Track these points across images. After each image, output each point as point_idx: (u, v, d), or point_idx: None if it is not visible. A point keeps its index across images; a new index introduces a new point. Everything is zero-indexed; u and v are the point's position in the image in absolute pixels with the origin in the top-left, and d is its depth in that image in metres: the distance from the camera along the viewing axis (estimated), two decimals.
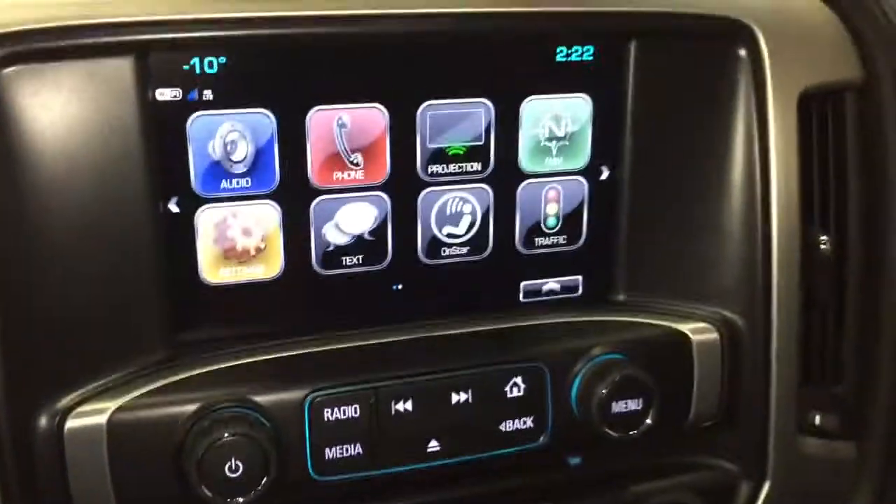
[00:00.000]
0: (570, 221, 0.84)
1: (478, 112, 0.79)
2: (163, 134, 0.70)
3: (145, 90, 0.69)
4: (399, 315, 0.80)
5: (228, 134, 0.73)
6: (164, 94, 0.71)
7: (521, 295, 0.86)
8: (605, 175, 0.84)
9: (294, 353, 0.77)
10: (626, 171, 0.83)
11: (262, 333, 0.77)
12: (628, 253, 0.86)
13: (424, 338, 0.79)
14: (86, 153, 0.68)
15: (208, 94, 0.71)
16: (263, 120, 0.73)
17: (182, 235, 0.73)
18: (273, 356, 0.76)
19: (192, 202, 0.73)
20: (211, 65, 0.70)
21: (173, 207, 0.74)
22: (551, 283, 0.90)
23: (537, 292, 0.86)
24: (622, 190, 0.85)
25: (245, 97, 0.72)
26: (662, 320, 0.83)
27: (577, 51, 0.80)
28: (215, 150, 0.73)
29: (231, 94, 0.71)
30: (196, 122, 0.72)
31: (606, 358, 0.82)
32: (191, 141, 0.72)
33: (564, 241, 0.85)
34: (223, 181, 0.74)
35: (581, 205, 0.84)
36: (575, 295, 0.88)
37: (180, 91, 0.71)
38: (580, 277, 0.88)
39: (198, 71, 0.70)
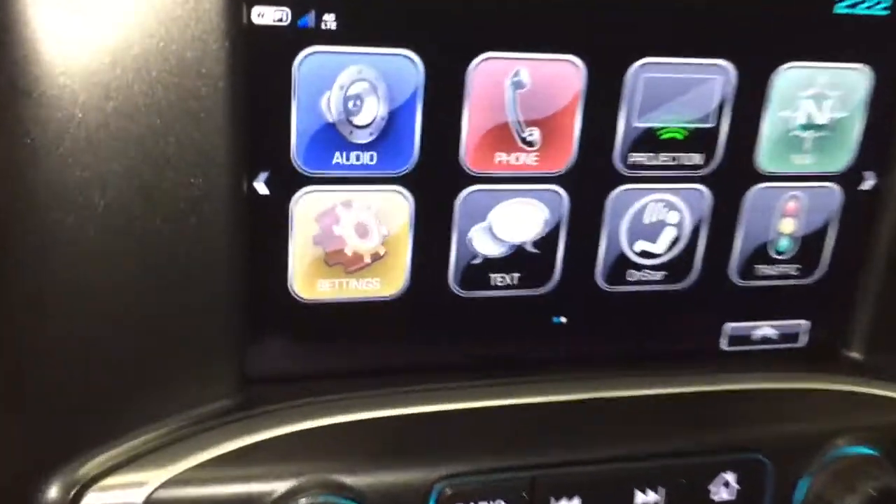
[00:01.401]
0: (808, 244, 0.65)
1: (712, 80, 0.59)
2: (257, 74, 0.51)
3: (238, 5, 0.49)
4: (561, 361, 0.63)
5: (353, 84, 0.53)
6: (265, 16, 0.50)
7: (724, 341, 0.66)
8: (868, 184, 0.64)
9: (414, 410, 0.58)
10: None
11: (370, 376, 0.59)
12: (879, 295, 0.66)
13: (596, 400, 0.61)
14: (142, 98, 0.48)
15: (330, 21, 0.51)
16: (406, 67, 0.53)
17: (269, 229, 0.55)
18: (385, 413, 0.57)
19: (289, 181, 0.54)
20: None
21: (261, 188, 0.54)
22: (766, 328, 0.65)
23: (745, 339, 0.68)
24: (888, 206, 0.64)
25: (384, 30, 0.52)
26: None
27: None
28: (331, 106, 0.53)
29: (363, 22, 0.52)
30: (308, 62, 0.52)
31: (853, 453, 0.61)
32: (297, 90, 0.52)
33: (796, 272, 0.66)
34: (337, 154, 0.54)
35: (827, 223, 0.65)
36: (795, 346, 0.68)
37: (288, 12, 0.50)
38: (806, 323, 0.63)
39: None
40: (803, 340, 0.67)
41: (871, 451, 0.61)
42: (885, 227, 0.64)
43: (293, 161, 0.53)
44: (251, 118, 0.51)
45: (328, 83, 0.52)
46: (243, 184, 0.52)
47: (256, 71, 0.50)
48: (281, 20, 0.50)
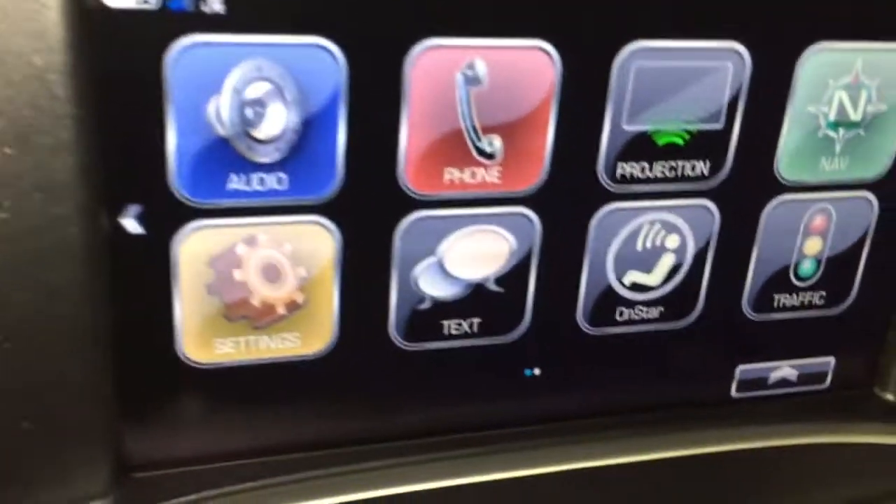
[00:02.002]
0: (837, 268, 0.54)
1: (721, 69, 0.47)
2: (115, 75, 0.39)
3: None
4: (535, 423, 0.52)
5: (251, 85, 0.40)
6: None
7: (735, 387, 0.55)
8: None
9: (348, 498, 0.46)
10: None
11: (290, 457, 0.47)
12: None
13: (580, 472, 0.50)
14: None
15: (215, 2, 0.38)
16: (323, 61, 0.40)
17: (146, 277, 0.43)
18: None
19: (169, 216, 0.42)
20: None
21: (130, 225, 0.41)
22: (785, 369, 0.54)
23: (761, 383, 0.57)
24: None
25: (290, 13, 0.39)
26: None
27: None
28: (221, 115, 0.40)
29: (262, 3, 0.39)
30: (185, 58, 0.39)
31: None
32: (172, 95, 0.39)
33: (822, 301, 0.55)
34: (233, 177, 0.42)
35: (862, 240, 0.54)
36: (820, 387, 0.57)
37: None
38: (832, 360, 0.52)
39: None
40: (829, 382, 0.55)
41: None
42: None
43: (173, 189, 0.40)
44: (110, 135, 0.38)
45: (216, 85, 0.39)
46: (104, 222, 0.39)
47: (114, 71, 0.37)
48: (146, 2, 0.36)
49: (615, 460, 0.50)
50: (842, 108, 0.49)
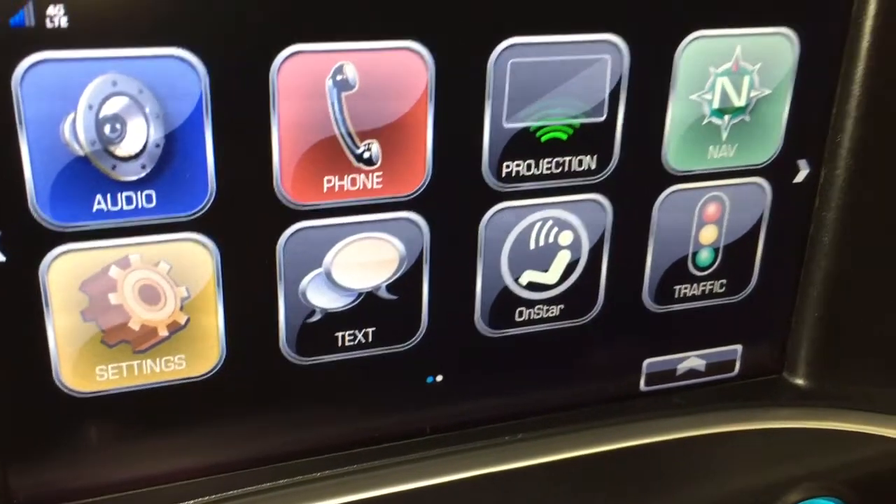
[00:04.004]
0: (735, 255, 0.54)
1: (599, 62, 0.46)
2: None
3: None
4: (440, 430, 0.50)
5: (108, 101, 0.38)
6: None
7: (642, 381, 0.55)
8: (802, 175, 0.53)
9: None
10: (838, 170, 0.52)
11: (182, 482, 0.45)
12: (823, 305, 0.55)
13: (488, 477, 0.48)
14: None
15: (57, 16, 0.37)
16: (183, 72, 0.39)
17: (13, 306, 0.40)
18: None
19: (33, 241, 0.40)
20: None
21: None
22: (693, 360, 0.53)
23: (669, 375, 0.56)
24: (828, 201, 0.53)
25: (141, 24, 0.38)
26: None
27: None
28: (78, 134, 0.39)
29: (110, 15, 0.37)
30: (33, 75, 0.37)
31: None
32: (23, 114, 0.37)
33: (723, 289, 0.55)
34: (98, 198, 0.40)
35: (757, 226, 0.53)
36: (729, 376, 0.56)
37: None
38: (739, 347, 0.52)
39: None
40: (737, 369, 0.55)
41: (831, 503, 0.49)
42: (826, 226, 0.52)
43: (33, 213, 0.38)
44: None
45: (70, 102, 0.37)
46: None
47: None
48: None
49: (526, 462, 0.49)
50: (724, 94, 0.48)
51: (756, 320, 0.55)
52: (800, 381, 0.56)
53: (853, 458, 0.52)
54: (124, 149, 0.38)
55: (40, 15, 0.35)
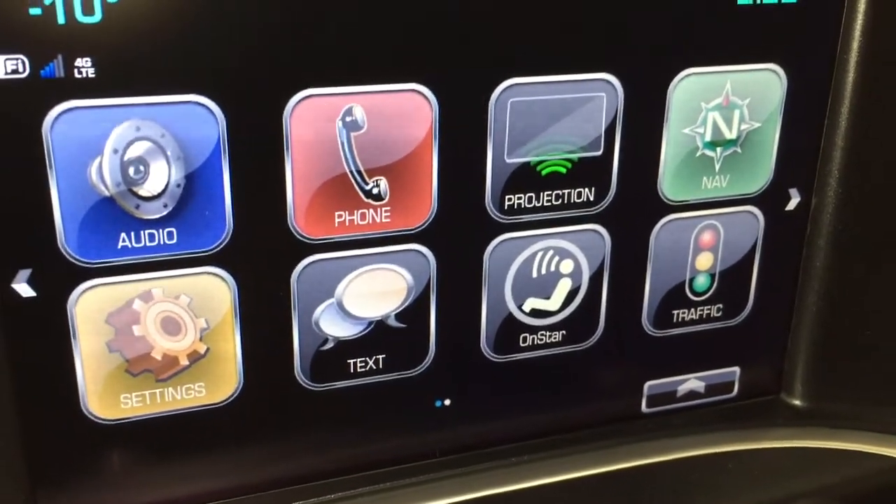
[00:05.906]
0: (731, 280, 0.55)
1: (595, 99, 0.48)
2: None
3: None
4: (450, 453, 0.52)
5: (131, 145, 0.41)
6: None
7: (643, 403, 0.56)
8: (794, 203, 0.55)
9: None
10: (828, 199, 0.54)
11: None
12: (818, 327, 0.56)
13: (498, 497, 0.50)
14: None
15: (85, 67, 0.39)
16: (201, 117, 0.42)
17: (43, 339, 0.43)
18: None
19: (62, 277, 0.42)
20: (91, 7, 0.38)
21: (22, 289, 0.42)
22: (692, 382, 0.55)
23: (669, 397, 0.57)
24: (819, 227, 0.55)
25: (163, 74, 0.40)
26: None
27: None
28: (105, 176, 0.41)
29: (134, 66, 0.40)
30: (62, 123, 0.39)
31: None
32: (53, 159, 0.40)
33: (720, 313, 0.56)
34: (123, 235, 0.42)
35: (752, 252, 0.55)
36: (728, 397, 0.58)
37: (25, 60, 0.38)
38: (737, 369, 0.55)
39: (62, 20, 0.38)
40: (736, 391, 0.57)
41: None
42: (818, 251, 0.54)
43: (63, 251, 0.41)
44: None
45: (96, 147, 0.40)
46: None
47: None
48: (16, 71, 0.37)
49: (532, 482, 0.50)
50: (716, 128, 0.50)
51: (753, 343, 0.56)
52: (797, 402, 0.57)
53: (850, 477, 0.54)
54: (147, 189, 0.41)
55: (69, 66, 0.38)
